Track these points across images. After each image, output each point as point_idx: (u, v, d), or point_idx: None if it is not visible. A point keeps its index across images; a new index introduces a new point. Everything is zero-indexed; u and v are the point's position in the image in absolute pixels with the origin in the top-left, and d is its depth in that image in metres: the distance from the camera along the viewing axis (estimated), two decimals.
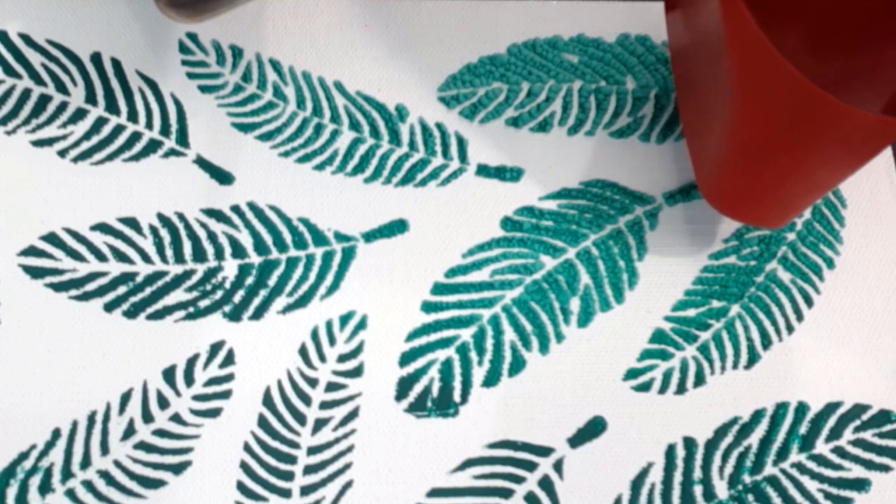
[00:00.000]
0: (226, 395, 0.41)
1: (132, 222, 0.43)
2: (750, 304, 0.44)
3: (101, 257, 0.42)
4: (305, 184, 0.45)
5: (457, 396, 0.42)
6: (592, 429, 0.42)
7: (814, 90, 0.34)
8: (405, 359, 0.42)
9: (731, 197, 0.42)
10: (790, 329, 0.44)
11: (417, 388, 0.42)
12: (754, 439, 0.42)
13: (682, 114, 0.44)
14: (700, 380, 0.43)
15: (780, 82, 0.35)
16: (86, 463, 0.39)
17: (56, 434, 0.40)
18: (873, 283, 0.45)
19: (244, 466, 0.40)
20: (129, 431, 0.40)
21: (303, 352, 0.42)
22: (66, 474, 0.39)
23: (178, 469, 0.40)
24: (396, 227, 0.44)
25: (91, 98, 0.45)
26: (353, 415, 0.41)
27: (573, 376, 0.42)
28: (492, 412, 0.42)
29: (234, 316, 0.42)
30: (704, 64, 0.41)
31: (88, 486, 0.39)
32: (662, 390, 0.43)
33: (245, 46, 0.47)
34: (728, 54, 0.37)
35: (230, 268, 0.43)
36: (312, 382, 0.41)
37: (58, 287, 0.42)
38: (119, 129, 0.45)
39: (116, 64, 0.46)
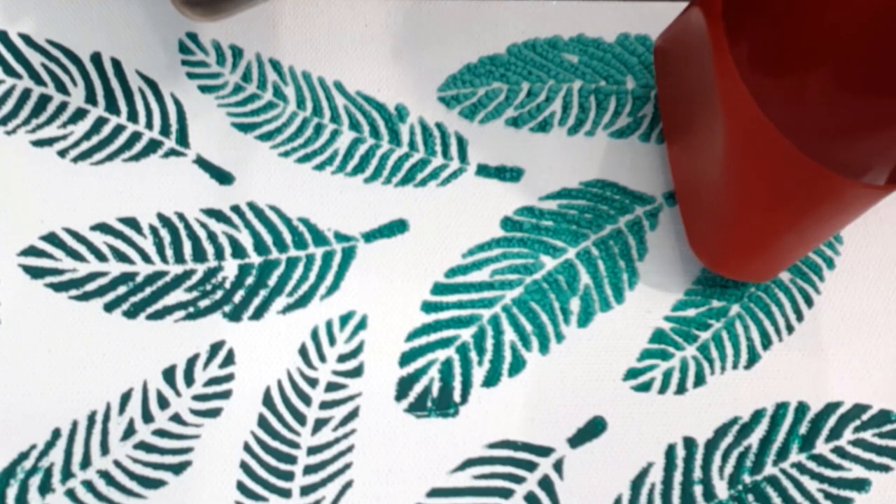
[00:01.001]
0: (226, 395, 0.41)
1: (132, 222, 0.43)
2: (750, 304, 0.44)
3: (101, 257, 0.42)
4: (305, 184, 0.45)
5: (457, 396, 0.42)
6: (592, 429, 0.42)
7: (803, 159, 0.35)
8: (405, 359, 0.42)
9: (720, 253, 0.42)
10: (790, 329, 0.44)
11: (417, 388, 0.42)
12: (754, 439, 0.42)
13: (671, 161, 0.44)
14: (700, 380, 0.43)
15: (770, 149, 0.36)
16: (86, 463, 0.39)
17: (56, 434, 0.40)
18: (873, 283, 0.45)
19: (244, 466, 0.40)
20: (129, 431, 0.40)
21: (303, 352, 0.42)
22: (66, 474, 0.39)
23: (178, 469, 0.40)
24: (396, 227, 0.44)
25: (91, 98, 0.45)
26: (353, 415, 0.41)
27: (573, 376, 0.42)
28: (492, 412, 0.42)
29: (234, 316, 0.42)
30: (695, 115, 0.41)
31: (88, 486, 0.39)
32: (662, 390, 0.43)
33: (245, 46, 0.47)
34: (721, 115, 0.37)
35: (230, 268, 0.43)
36: (312, 382, 0.41)
37: (58, 287, 0.42)
38: (119, 129, 0.45)
39: (116, 64, 0.46)
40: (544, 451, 0.41)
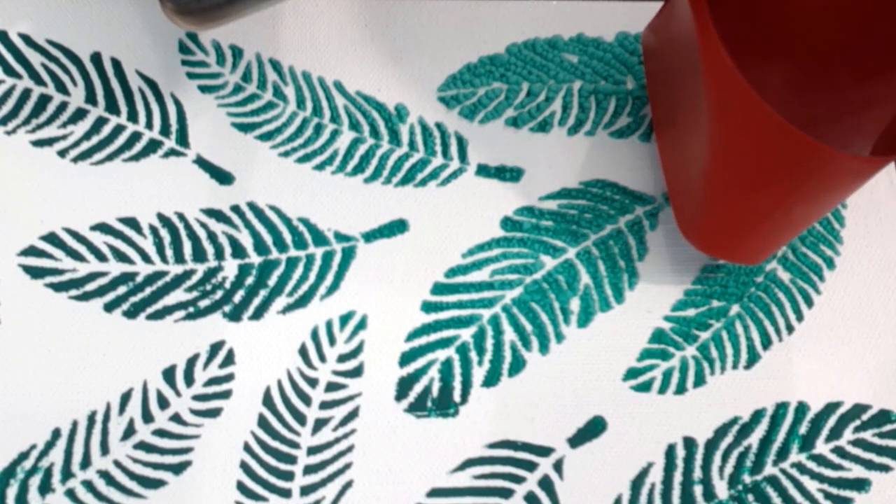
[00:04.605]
0: (226, 395, 0.41)
1: (132, 222, 0.43)
2: (750, 304, 0.44)
3: (101, 257, 0.42)
4: (305, 184, 0.45)
5: (457, 396, 0.42)
6: (592, 429, 0.42)
7: (792, 131, 0.34)
8: (405, 359, 0.42)
9: (710, 235, 0.41)
10: (790, 329, 0.44)
11: (417, 388, 0.42)
12: (754, 439, 0.42)
13: (660, 149, 0.44)
14: (700, 380, 0.43)
15: (758, 123, 0.35)
16: (86, 463, 0.39)
17: (56, 434, 0.40)
18: (873, 283, 0.45)
19: (244, 466, 0.40)
20: (129, 431, 0.40)
21: (303, 352, 0.42)
22: (66, 474, 0.39)
23: (178, 469, 0.40)
24: (396, 227, 0.44)
25: (91, 98, 0.45)
26: (353, 415, 0.41)
27: (573, 376, 0.42)
28: (492, 412, 0.42)
29: (234, 316, 0.42)
30: (682, 100, 0.41)
31: (88, 486, 0.39)
32: (662, 390, 0.43)
33: (245, 46, 0.47)
34: (706, 93, 0.37)
35: (230, 268, 0.43)
36: (312, 382, 0.41)
37: (58, 287, 0.42)
38: (119, 129, 0.45)
39: (116, 64, 0.46)
40: (544, 451, 0.41)
